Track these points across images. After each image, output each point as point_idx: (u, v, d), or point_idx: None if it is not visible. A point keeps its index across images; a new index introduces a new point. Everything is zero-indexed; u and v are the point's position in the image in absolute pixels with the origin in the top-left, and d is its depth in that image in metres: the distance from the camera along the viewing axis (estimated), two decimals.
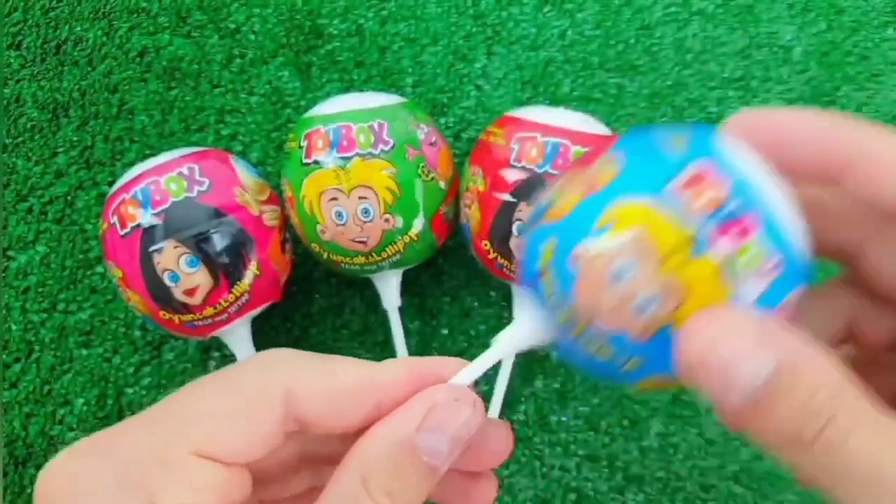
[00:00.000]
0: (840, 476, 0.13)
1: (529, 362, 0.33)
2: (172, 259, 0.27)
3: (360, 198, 0.28)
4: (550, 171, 0.27)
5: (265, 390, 0.16)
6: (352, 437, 0.16)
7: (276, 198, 0.30)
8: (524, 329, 0.17)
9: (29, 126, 0.36)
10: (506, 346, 0.17)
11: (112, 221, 0.28)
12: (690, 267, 0.14)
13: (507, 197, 0.28)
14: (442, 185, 0.29)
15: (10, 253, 0.35)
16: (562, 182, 0.16)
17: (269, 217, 0.29)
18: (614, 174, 0.15)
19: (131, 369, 0.33)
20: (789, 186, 0.15)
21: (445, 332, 0.34)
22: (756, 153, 0.15)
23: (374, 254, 0.29)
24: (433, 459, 0.15)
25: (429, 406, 0.16)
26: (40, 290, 0.34)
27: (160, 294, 0.27)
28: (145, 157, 0.29)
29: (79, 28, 0.37)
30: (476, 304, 0.33)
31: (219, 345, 0.33)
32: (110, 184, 0.34)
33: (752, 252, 0.14)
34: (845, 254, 0.17)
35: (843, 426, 0.12)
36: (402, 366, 0.17)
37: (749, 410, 0.13)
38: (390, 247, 0.29)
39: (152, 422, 0.16)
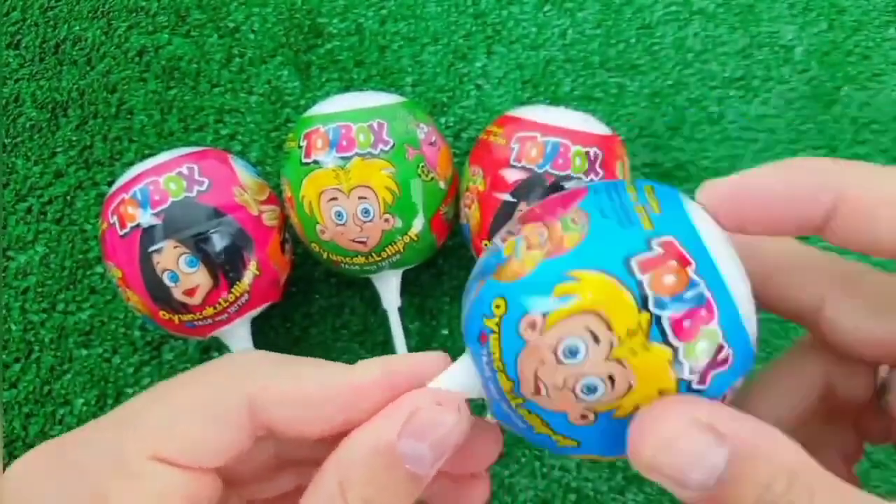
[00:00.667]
0: None
1: None
2: (172, 259, 0.27)
3: (360, 198, 0.28)
4: (550, 170, 0.27)
5: (227, 394, 0.16)
6: (332, 440, 0.16)
7: (276, 198, 0.30)
8: (460, 376, 0.16)
9: (28, 126, 0.36)
10: (442, 383, 0.16)
11: (111, 221, 0.28)
12: (644, 354, 0.13)
13: (507, 197, 0.28)
14: (442, 184, 0.29)
15: (10, 253, 0.35)
16: (522, 233, 0.15)
17: (269, 217, 0.29)
18: (579, 239, 0.14)
19: (131, 369, 0.33)
20: (744, 266, 0.15)
21: (445, 332, 0.34)
22: (720, 227, 0.15)
23: (373, 254, 0.29)
24: (415, 467, 0.15)
25: (410, 411, 0.15)
26: (40, 290, 0.34)
27: (160, 294, 0.27)
28: (144, 157, 0.29)
29: (77, 27, 0.37)
30: None
31: (218, 345, 0.33)
32: (109, 184, 0.34)
33: (706, 343, 0.14)
34: (806, 315, 0.17)
35: None
36: (377, 367, 0.16)
37: (708, 501, 0.13)
38: (390, 247, 0.29)
39: (112, 425, 0.16)
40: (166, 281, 0.27)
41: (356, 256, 0.29)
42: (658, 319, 0.13)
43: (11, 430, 0.33)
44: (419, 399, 0.15)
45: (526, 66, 0.36)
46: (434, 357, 0.16)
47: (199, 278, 0.27)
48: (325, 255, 0.29)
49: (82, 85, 0.37)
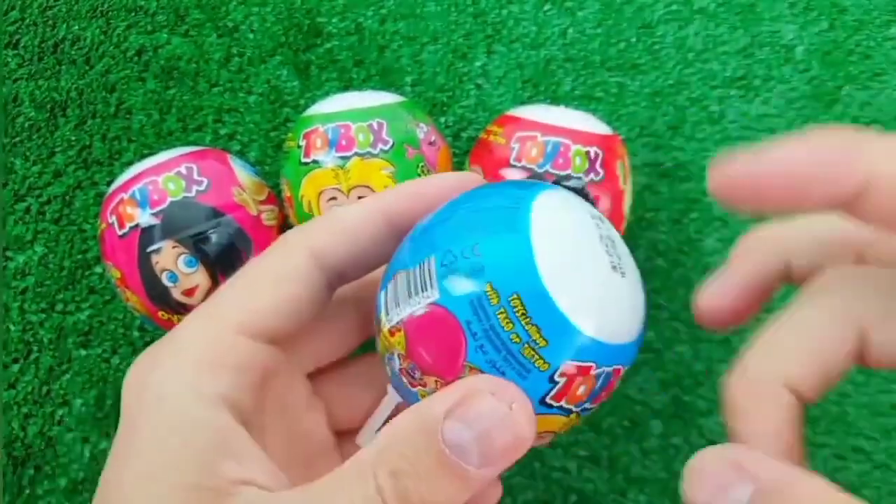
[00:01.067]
0: None
1: None
2: (171, 259, 0.27)
3: (360, 197, 0.27)
4: (551, 170, 0.27)
5: (291, 256, 0.17)
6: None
7: (275, 197, 0.30)
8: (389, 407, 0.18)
9: (26, 126, 0.36)
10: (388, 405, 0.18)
11: (110, 221, 0.27)
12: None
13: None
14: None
15: (9, 253, 0.35)
16: (427, 387, 0.16)
17: (268, 217, 0.29)
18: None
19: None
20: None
21: None
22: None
23: None
24: (458, 457, 0.13)
25: (464, 392, 0.14)
26: (38, 290, 0.34)
27: (159, 294, 0.27)
28: (143, 157, 0.29)
29: (76, 27, 0.37)
30: None
31: None
32: (108, 183, 0.33)
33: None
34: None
35: None
36: (410, 184, 0.18)
37: None
38: None
39: (205, 309, 0.18)
40: (165, 281, 0.27)
41: None
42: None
43: (10, 430, 0.33)
44: (478, 383, 0.14)
45: (526, 66, 0.36)
46: (462, 174, 0.18)
47: (199, 278, 0.27)
48: None
49: (81, 84, 0.36)
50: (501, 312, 0.14)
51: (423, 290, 0.15)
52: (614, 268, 0.15)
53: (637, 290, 0.16)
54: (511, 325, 0.14)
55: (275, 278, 0.17)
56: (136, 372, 0.17)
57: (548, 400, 0.15)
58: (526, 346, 0.14)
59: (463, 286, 0.14)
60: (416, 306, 0.15)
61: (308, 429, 0.20)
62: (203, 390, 0.16)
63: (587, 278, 0.15)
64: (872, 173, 0.13)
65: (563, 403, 0.15)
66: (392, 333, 0.16)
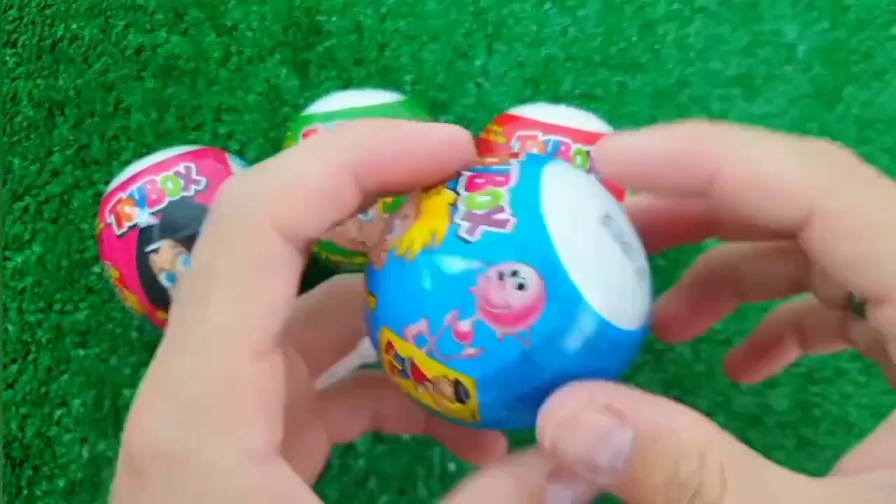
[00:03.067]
0: None
1: None
2: (169, 259, 0.27)
3: None
4: None
5: (328, 162, 0.14)
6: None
7: None
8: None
9: (25, 125, 0.36)
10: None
11: (109, 221, 0.27)
12: (435, 197, 0.15)
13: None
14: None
15: (7, 253, 0.35)
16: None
17: None
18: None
19: (129, 370, 0.33)
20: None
21: None
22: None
23: None
24: None
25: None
26: (37, 290, 0.34)
27: (157, 294, 0.27)
28: (142, 156, 0.29)
29: (75, 25, 0.37)
30: None
31: None
32: (107, 183, 0.33)
33: (487, 198, 0.15)
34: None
35: (710, 496, 0.12)
36: (383, 131, 0.15)
37: (618, 486, 0.13)
38: None
39: (240, 201, 0.15)
40: (164, 281, 0.27)
41: (356, 256, 0.29)
42: (459, 179, 0.15)
43: (9, 431, 0.33)
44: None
45: (527, 64, 0.36)
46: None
47: None
48: (323, 256, 0.29)
49: (79, 83, 0.36)
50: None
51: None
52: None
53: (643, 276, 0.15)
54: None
55: (264, 277, 0.14)
56: (145, 430, 0.13)
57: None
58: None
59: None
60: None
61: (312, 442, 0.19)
62: (247, 447, 0.13)
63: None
64: (720, 161, 0.14)
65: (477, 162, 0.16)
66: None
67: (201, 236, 0.14)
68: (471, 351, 0.13)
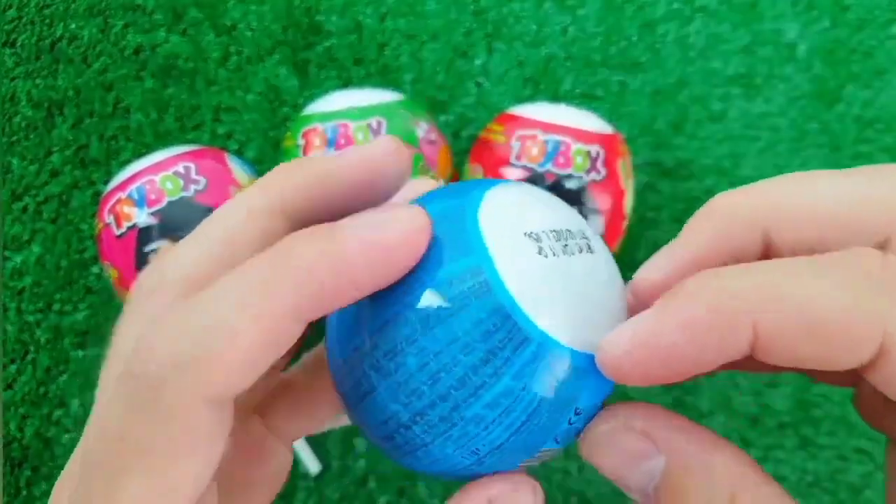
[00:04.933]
0: None
1: None
2: None
3: None
4: (551, 169, 0.27)
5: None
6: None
7: None
8: None
9: (24, 125, 0.36)
10: None
11: (108, 221, 0.27)
12: None
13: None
14: (441, 183, 0.29)
15: (6, 253, 0.34)
16: None
17: None
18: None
19: None
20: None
21: None
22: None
23: None
24: None
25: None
26: (36, 290, 0.34)
27: None
28: (141, 156, 0.29)
29: (74, 25, 0.37)
30: None
31: None
32: (106, 183, 0.33)
33: None
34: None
35: None
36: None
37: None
38: None
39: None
40: None
41: None
42: None
43: (8, 431, 0.33)
44: (492, 488, 0.13)
45: (526, 64, 0.36)
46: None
47: None
48: None
49: (78, 83, 0.36)
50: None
51: None
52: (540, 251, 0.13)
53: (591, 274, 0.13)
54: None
55: (189, 452, 0.12)
56: None
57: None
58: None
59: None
60: None
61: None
62: None
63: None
64: (757, 321, 0.11)
65: None
66: None
67: (112, 393, 0.12)
68: None
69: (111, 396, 0.12)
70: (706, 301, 0.11)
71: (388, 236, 0.12)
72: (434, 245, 0.12)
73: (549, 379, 0.12)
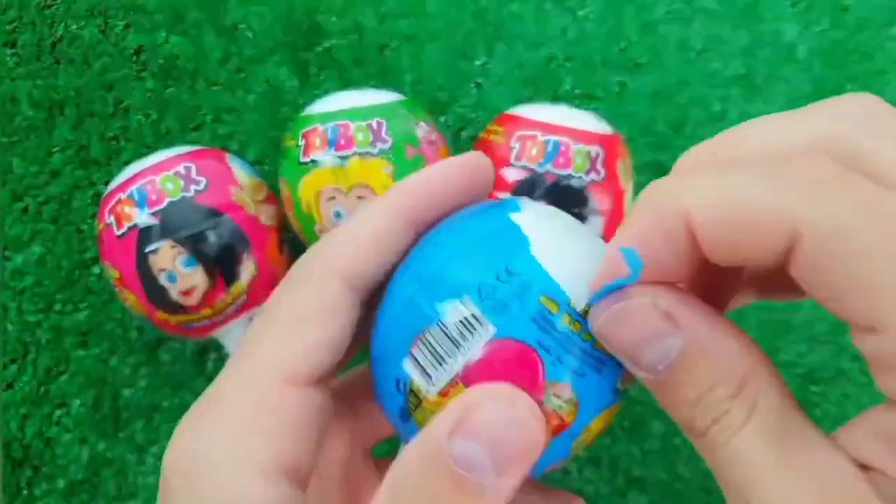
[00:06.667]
0: (718, 474, 0.12)
1: None
2: (169, 259, 0.27)
3: (359, 197, 0.27)
4: (551, 170, 0.27)
5: (322, 286, 0.16)
6: None
7: (274, 197, 0.30)
8: None
9: (24, 125, 0.36)
10: None
11: (108, 221, 0.27)
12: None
13: (507, 196, 0.27)
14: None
15: (7, 253, 0.35)
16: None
17: (267, 216, 0.29)
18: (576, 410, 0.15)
19: (128, 370, 0.33)
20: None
21: None
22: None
23: None
24: (473, 474, 0.12)
25: (463, 406, 0.13)
26: (36, 290, 0.34)
27: (157, 294, 0.27)
28: (141, 156, 0.29)
29: (74, 26, 0.37)
30: None
31: (216, 346, 0.33)
32: (106, 183, 0.33)
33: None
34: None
35: (731, 425, 0.12)
36: (420, 181, 0.17)
37: (654, 385, 0.13)
38: None
39: (245, 363, 0.16)
40: (163, 281, 0.27)
41: None
42: None
43: (8, 431, 0.33)
44: (474, 394, 0.14)
45: (526, 65, 0.36)
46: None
47: (197, 278, 0.27)
48: None
49: (79, 84, 0.36)
50: (565, 318, 0.14)
51: (470, 334, 0.14)
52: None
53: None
54: (577, 325, 0.14)
55: (315, 316, 0.15)
56: (177, 445, 0.14)
57: (618, 385, 0.15)
58: (594, 339, 0.14)
59: (520, 309, 0.14)
60: (470, 353, 0.14)
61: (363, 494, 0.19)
62: (257, 459, 0.14)
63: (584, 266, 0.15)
64: (690, 214, 0.12)
65: (626, 384, 0.15)
66: (445, 395, 0.14)
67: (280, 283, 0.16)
68: None
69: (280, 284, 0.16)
70: (648, 203, 0.13)
71: (453, 163, 0.17)
72: None
73: None
